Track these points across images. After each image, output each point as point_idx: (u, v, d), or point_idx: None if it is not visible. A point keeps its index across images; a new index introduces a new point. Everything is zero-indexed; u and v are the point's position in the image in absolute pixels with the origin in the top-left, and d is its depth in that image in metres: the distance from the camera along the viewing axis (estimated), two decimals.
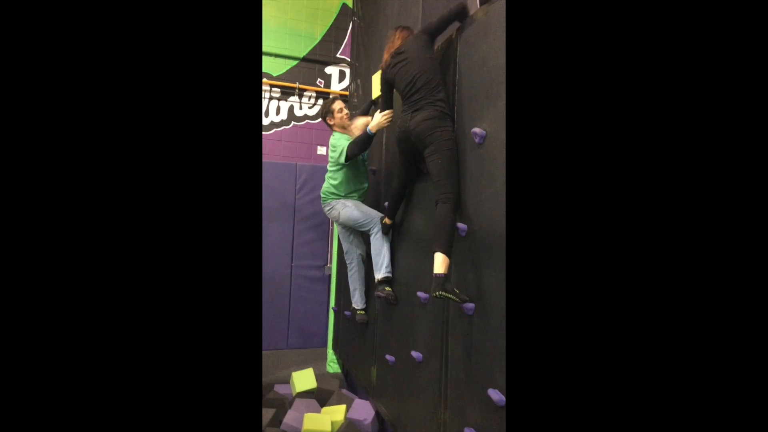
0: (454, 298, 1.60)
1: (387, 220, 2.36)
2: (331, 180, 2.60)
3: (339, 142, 2.47)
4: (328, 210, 2.66)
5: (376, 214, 2.48)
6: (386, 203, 2.38)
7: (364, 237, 2.71)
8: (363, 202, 2.76)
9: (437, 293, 1.61)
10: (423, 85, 1.81)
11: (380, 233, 2.43)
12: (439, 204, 1.72)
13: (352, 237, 2.73)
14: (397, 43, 1.97)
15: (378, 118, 2.19)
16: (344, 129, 2.58)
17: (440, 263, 1.65)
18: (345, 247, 2.78)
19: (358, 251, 2.74)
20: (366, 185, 2.73)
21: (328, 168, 2.60)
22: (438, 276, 1.63)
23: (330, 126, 2.61)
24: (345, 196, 2.62)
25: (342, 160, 2.42)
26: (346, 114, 2.58)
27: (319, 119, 4.34)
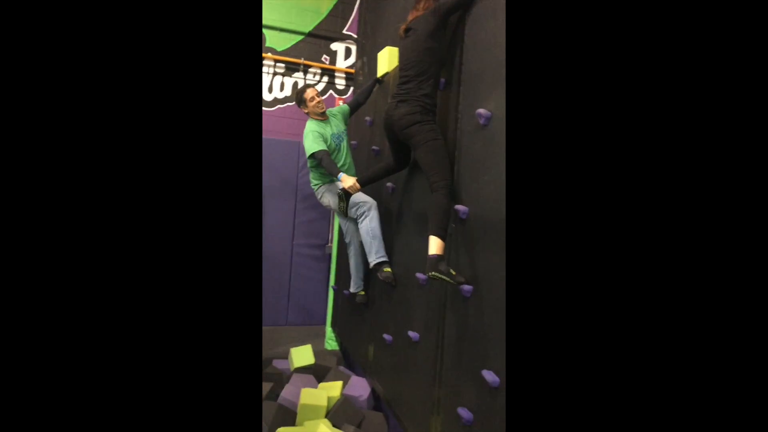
0: (448, 279, 1.61)
1: (355, 184, 2.24)
2: (311, 166, 2.61)
3: (307, 134, 2.50)
4: (320, 198, 2.68)
5: (363, 200, 2.45)
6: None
7: None
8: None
9: (431, 273, 1.64)
10: (414, 75, 1.82)
11: (366, 219, 2.41)
12: (433, 192, 1.75)
13: (348, 222, 2.72)
14: (416, 14, 1.93)
15: (349, 184, 2.23)
16: (318, 116, 2.58)
17: (434, 245, 1.68)
18: (344, 230, 2.78)
19: (357, 237, 2.72)
20: (347, 161, 2.71)
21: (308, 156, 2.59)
22: (431, 257, 1.66)
23: (306, 113, 2.62)
24: (329, 181, 2.62)
25: (307, 154, 2.48)
26: (318, 101, 2.58)
27: (325, 96, 4.32)
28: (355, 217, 2.48)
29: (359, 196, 2.45)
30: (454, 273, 1.63)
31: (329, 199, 2.62)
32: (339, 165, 2.61)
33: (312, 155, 2.44)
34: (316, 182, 2.66)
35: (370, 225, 2.40)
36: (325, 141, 2.52)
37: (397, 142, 2.03)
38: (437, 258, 1.65)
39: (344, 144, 2.72)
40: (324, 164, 2.39)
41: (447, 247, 1.75)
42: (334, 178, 2.53)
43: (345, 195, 2.29)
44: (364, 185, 2.28)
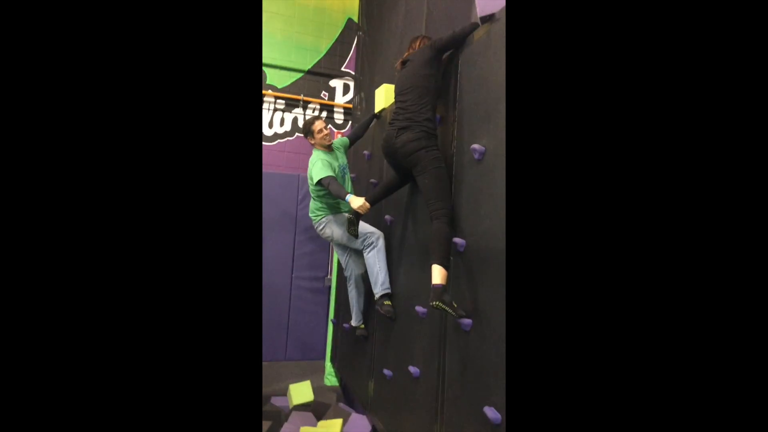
0: (450, 311, 1.59)
1: (365, 203, 2.17)
2: (316, 196, 2.61)
3: (314, 163, 2.52)
4: (321, 229, 2.66)
5: (371, 231, 2.45)
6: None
7: (360, 254, 2.67)
8: None
9: (434, 303, 1.61)
10: (413, 102, 1.85)
11: (374, 249, 2.41)
12: (434, 220, 1.74)
13: (348, 256, 2.71)
14: (411, 52, 2.01)
15: (358, 204, 2.17)
16: (324, 147, 2.62)
17: (437, 274, 1.66)
18: (343, 264, 2.77)
19: (357, 270, 2.71)
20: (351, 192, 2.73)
21: (310, 185, 2.60)
22: (436, 287, 1.64)
23: (312, 144, 2.65)
24: (333, 212, 2.62)
25: (313, 182, 2.49)
26: (326, 133, 2.62)
27: None
28: (361, 247, 2.47)
29: (367, 227, 2.46)
30: (456, 306, 1.61)
31: (332, 230, 2.60)
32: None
33: (320, 181, 2.44)
34: (319, 213, 2.64)
35: (377, 255, 2.39)
36: (333, 170, 2.54)
37: (398, 165, 2.02)
38: (442, 288, 1.63)
39: (348, 176, 2.75)
40: (332, 189, 2.37)
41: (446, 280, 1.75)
42: (342, 206, 2.56)
43: (355, 217, 2.26)
44: (374, 203, 2.24)
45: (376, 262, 2.38)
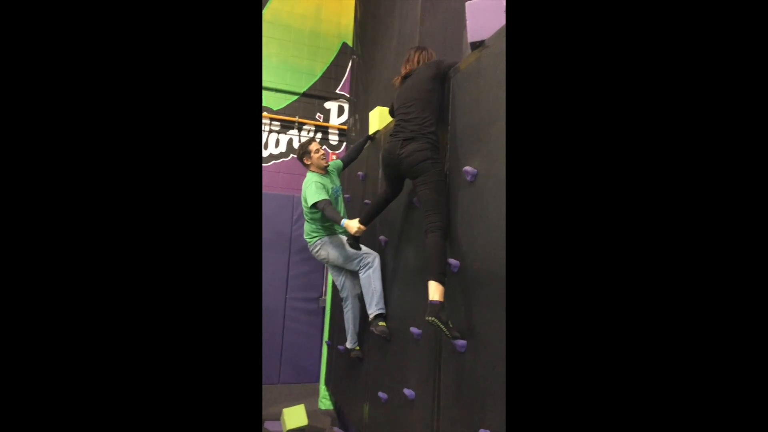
0: (445, 330, 1.57)
1: (359, 227, 2.22)
2: (311, 218, 2.62)
3: (309, 185, 2.53)
4: (316, 251, 2.65)
5: (366, 251, 2.46)
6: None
7: (356, 276, 2.68)
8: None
9: (430, 318, 1.59)
10: (416, 114, 1.86)
11: (369, 270, 2.41)
12: (428, 233, 1.75)
13: (344, 277, 2.71)
14: (411, 66, 2.02)
15: (354, 228, 2.22)
16: (320, 169, 2.65)
17: (434, 290, 1.64)
18: (338, 286, 2.76)
19: (353, 291, 2.70)
20: (343, 215, 2.75)
21: (304, 207, 2.61)
22: (433, 303, 1.62)
23: (307, 166, 2.67)
24: (328, 233, 2.63)
25: (307, 204, 2.50)
26: (322, 154, 2.66)
27: None
28: (357, 268, 2.47)
29: (362, 248, 2.46)
30: (452, 326, 1.59)
31: (327, 252, 2.60)
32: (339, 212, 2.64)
33: (314, 204, 2.45)
34: (314, 235, 2.64)
35: (373, 275, 2.40)
36: (327, 192, 2.55)
37: (396, 177, 2.03)
38: (439, 305, 1.61)
39: (341, 198, 2.77)
40: (327, 213, 2.39)
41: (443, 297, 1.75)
42: (336, 228, 2.56)
43: (354, 240, 2.29)
44: (368, 223, 2.25)
45: (371, 282, 2.39)
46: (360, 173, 2.98)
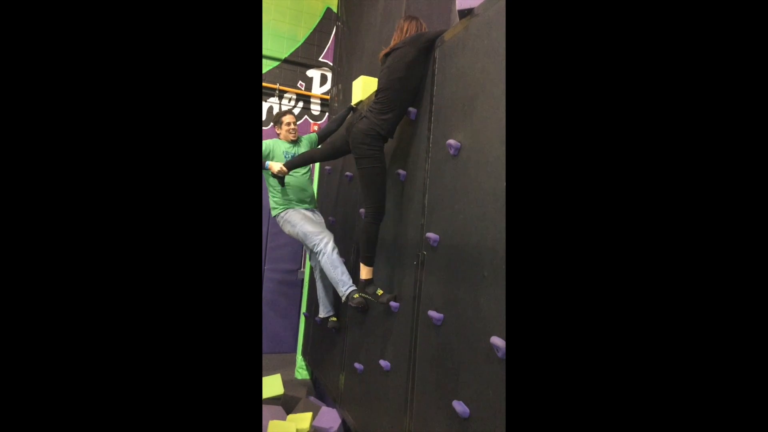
0: (372, 299, 1.99)
1: (282, 168, 2.38)
2: (272, 187, 2.63)
3: (266, 148, 2.61)
4: (282, 224, 2.64)
5: (316, 235, 2.45)
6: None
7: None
8: (316, 209, 2.77)
9: (357, 295, 2.09)
10: (385, 98, 1.89)
11: (324, 255, 2.38)
12: (363, 218, 1.98)
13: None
14: (400, 37, 1.97)
15: (277, 168, 2.39)
16: (287, 141, 2.73)
17: (363, 271, 2.03)
18: (309, 254, 2.76)
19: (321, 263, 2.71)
20: (310, 191, 2.75)
21: (264, 175, 2.60)
22: (360, 282, 2.05)
23: (277, 135, 2.77)
24: (293, 205, 2.61)
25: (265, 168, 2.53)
26: (293, 128, 2.74)
27: (300, 120, 4.33)
28: (315, 251, 2.46)
29: (309, 228, 2.47)
30: (380, 293, 1.94)
31: (289, 227, 2.59)
32: (302, 190, 2.67)
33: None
34: (277, 208, 2.63)
35: (330, 257, 2.37)
36: (275, 156, 2.63)
37: (342, 144, 2.12)
38: (364, 282, 2.03)
39: (307, 172, 2.73)
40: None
41: (418, 274, 1.75)
42: (294, 198, 2.63)
43: (279, 180, 2.45)
44: (291, 169, 2.40)
45: (329, 268, 2.36)
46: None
